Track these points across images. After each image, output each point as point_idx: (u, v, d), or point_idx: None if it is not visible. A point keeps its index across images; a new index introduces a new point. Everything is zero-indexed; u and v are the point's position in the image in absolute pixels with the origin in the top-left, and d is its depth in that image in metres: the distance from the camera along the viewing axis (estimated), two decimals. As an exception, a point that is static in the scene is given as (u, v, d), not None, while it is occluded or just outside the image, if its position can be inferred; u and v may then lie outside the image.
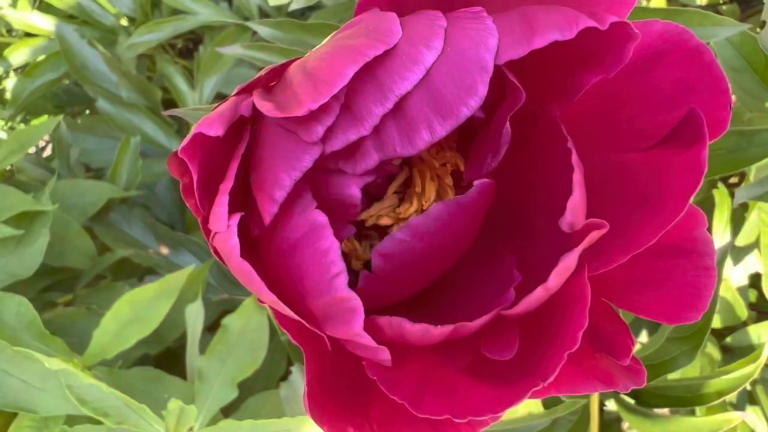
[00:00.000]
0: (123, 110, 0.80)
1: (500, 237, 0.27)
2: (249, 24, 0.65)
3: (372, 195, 0.26)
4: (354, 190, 0.23)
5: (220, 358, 0.55)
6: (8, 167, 0.82)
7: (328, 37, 0.24)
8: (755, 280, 0.72)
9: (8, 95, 0.89)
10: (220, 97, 0.85)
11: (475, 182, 0.22)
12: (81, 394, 0.45)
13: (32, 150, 1.05)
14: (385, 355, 0.21)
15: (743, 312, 0.70)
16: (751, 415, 0.69)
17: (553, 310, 0.22)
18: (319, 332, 0.21)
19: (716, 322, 0.70)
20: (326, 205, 0.22)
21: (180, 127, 0.89)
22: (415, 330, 0.21)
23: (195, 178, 0.21)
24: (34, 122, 0.98)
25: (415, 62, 0.21)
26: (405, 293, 0.25)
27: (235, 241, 0.20)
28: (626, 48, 0.22)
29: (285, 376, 0.59)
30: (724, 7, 0.77)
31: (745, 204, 0.66)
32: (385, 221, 0.26)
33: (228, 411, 0.60)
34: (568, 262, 0.20)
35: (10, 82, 0.94)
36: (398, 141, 0.21)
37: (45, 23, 0.88)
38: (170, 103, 0.91)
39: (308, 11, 0.97)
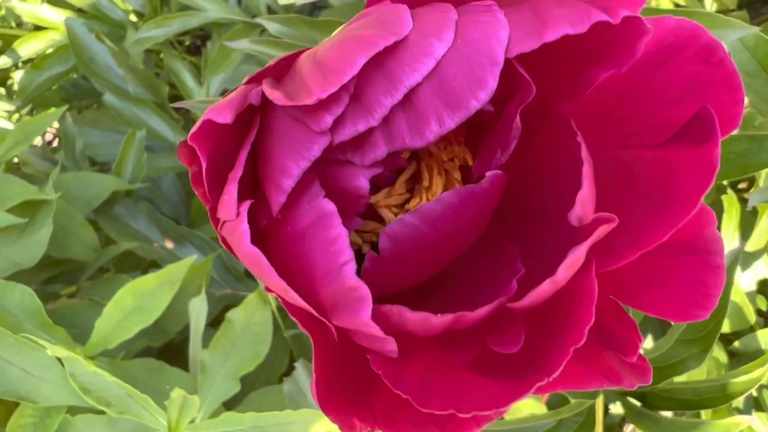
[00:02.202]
0: (130, 104, 0.80)
1: (505, 230, 0.26)
2: (258, 20, 0.64)
3: (379, 188, 0.26)
4: (362, 181, 0.23)
5: (223, 352, 0.54)
6: (14, 160, 0.82)
7: (338, 29, 0.24)
8: (763, 286, 0.72)
9: (16, 87, 0.89)
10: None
11: (488, 173, 0.22)
12: (84, 383, 0.45)
13: (40, 144, 1.05)
14: (391, 345, 0.21)
15: (751, 316, 0.70)
16: (757, 420, 0.69)
17: (559, 306, 0.22)
18: (326, 322, 0.21)
19: (724, 327, 0.70)
20: (333, 196, 0.22)
21: (186, 122, 0.89)
22: (415, 318, 0.21)
23: (204, 166, 0.21)
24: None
25: (426, 54, 0.21)
26: (409, 280, 0.25)
27: (245, 227, 0.20)
28: (638, 43, 0.21)
29: (288, 372, 0.59)
30: (734, 14, 0.76)
31: (755, 209, 0.65)
32: (388, 215, 0.26)
33: (230, 405, 0.60)
34: (577, 255, 0.20)
35: (19, 75, 0.94)
36: (407, 132, 0.21)
37: (54, 16, 0.87)
38: (177, 98, 0.91)
39: (316, 11, 0.97)
